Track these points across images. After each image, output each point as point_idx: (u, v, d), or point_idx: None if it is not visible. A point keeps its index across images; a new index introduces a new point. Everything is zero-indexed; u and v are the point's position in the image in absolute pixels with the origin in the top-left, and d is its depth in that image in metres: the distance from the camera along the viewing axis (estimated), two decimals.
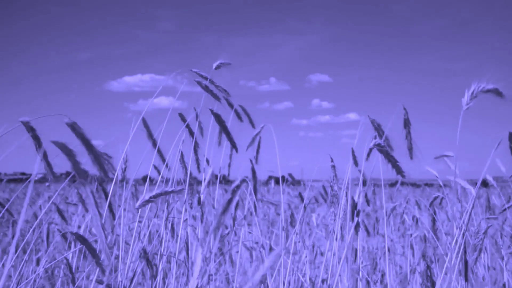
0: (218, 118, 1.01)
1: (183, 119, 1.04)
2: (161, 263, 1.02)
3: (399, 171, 0.76)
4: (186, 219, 1.10)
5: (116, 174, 1.03)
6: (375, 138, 0.94)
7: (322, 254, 1.54)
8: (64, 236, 1.27)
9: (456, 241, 0.88)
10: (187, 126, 1.03)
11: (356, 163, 1.04)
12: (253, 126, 1.14)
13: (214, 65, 1.00)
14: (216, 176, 1.12)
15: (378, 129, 0.96)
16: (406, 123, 0.92)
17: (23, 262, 1.06)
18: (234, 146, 1.03)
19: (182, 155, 1.06)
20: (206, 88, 1.00)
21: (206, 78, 0.99)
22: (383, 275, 1.51)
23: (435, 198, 1.34)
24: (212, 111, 1.01)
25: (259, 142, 1.12)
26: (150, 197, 0.69)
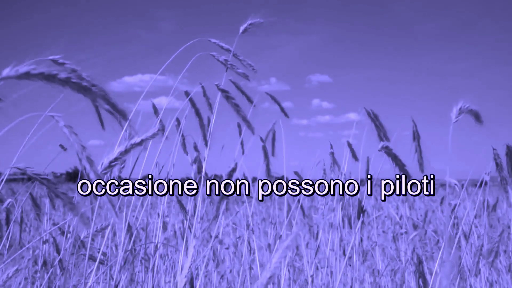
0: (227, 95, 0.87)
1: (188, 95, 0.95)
2: None
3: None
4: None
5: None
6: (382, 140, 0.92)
7: None
8: None
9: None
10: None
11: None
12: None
13: (242, 28, 0.85)
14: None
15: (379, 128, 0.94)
16: (415, 136, 0.88)
17: None
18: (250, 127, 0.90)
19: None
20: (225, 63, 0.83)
21: (228, 50, 0.85)
22: None
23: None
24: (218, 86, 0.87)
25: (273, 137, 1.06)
26: (120, 153, 0.57)
